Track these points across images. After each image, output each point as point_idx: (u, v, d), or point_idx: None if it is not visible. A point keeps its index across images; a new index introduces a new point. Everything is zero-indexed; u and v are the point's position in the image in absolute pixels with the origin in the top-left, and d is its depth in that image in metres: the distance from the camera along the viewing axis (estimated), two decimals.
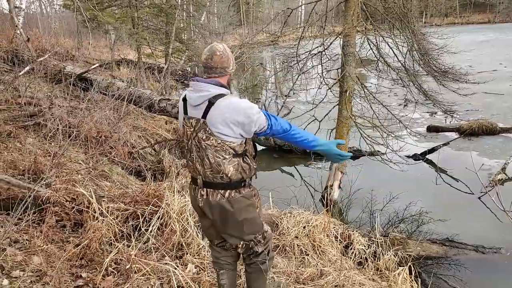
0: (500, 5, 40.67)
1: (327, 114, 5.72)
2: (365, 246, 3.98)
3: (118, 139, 6.02)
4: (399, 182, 5.97)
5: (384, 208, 5.21)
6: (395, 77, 5.71)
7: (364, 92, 5.35)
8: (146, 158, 6.76)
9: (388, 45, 5.45)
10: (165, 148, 7.00)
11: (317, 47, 5.86)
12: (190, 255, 3.13)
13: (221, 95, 2.14)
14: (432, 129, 8.29)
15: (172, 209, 3.29)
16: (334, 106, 5.49)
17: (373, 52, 5.75)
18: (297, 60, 6.07)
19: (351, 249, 3.94)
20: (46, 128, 5.35)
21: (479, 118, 8.32)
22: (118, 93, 7.16)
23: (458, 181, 5.95)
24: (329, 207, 4.40)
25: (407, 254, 3.93)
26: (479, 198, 5.37)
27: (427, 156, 6.83)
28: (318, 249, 3.65)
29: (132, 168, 5.70)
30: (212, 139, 2.14)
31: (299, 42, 5.90)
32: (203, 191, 2.23)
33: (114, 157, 5.57)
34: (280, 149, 7.39)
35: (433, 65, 5.25)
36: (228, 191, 2.20)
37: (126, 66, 11.92)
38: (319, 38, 6.06)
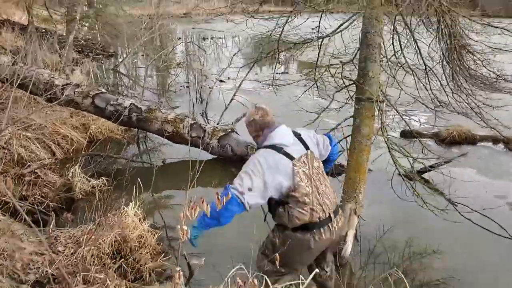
0: None
1: (334, 128, 3.99)
2: None
3: None
4: (397, 213, 4.54)
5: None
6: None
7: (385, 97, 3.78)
8: (45, 179, 4.36)
9: (413, 36, 3.88)
10: (74, 164, 4.62)
11: (314, 28, 4.12)
12: None
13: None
14: (407, 134, 7.19)
15: None
16: (346, 119, 3.80)
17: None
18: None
19: None
20: None
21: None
22: None
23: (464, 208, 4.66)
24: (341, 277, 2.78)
25: None
26: None
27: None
28: None
29: (23, 207, 3.38)
30: (320, 163, 2.40)
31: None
32: (334, 222, 2.29)
33: None
34: (241, 159, 5.08)
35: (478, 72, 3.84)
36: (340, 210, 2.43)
37: (11, 31, 8.74)
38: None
